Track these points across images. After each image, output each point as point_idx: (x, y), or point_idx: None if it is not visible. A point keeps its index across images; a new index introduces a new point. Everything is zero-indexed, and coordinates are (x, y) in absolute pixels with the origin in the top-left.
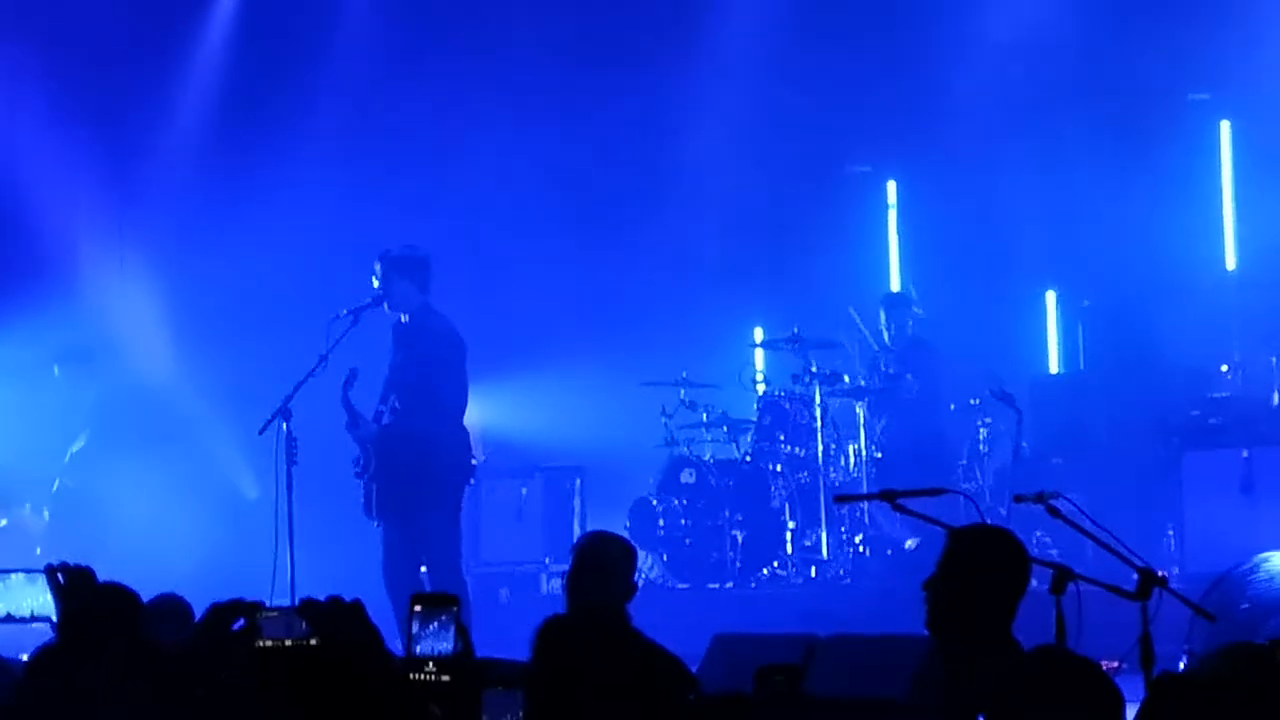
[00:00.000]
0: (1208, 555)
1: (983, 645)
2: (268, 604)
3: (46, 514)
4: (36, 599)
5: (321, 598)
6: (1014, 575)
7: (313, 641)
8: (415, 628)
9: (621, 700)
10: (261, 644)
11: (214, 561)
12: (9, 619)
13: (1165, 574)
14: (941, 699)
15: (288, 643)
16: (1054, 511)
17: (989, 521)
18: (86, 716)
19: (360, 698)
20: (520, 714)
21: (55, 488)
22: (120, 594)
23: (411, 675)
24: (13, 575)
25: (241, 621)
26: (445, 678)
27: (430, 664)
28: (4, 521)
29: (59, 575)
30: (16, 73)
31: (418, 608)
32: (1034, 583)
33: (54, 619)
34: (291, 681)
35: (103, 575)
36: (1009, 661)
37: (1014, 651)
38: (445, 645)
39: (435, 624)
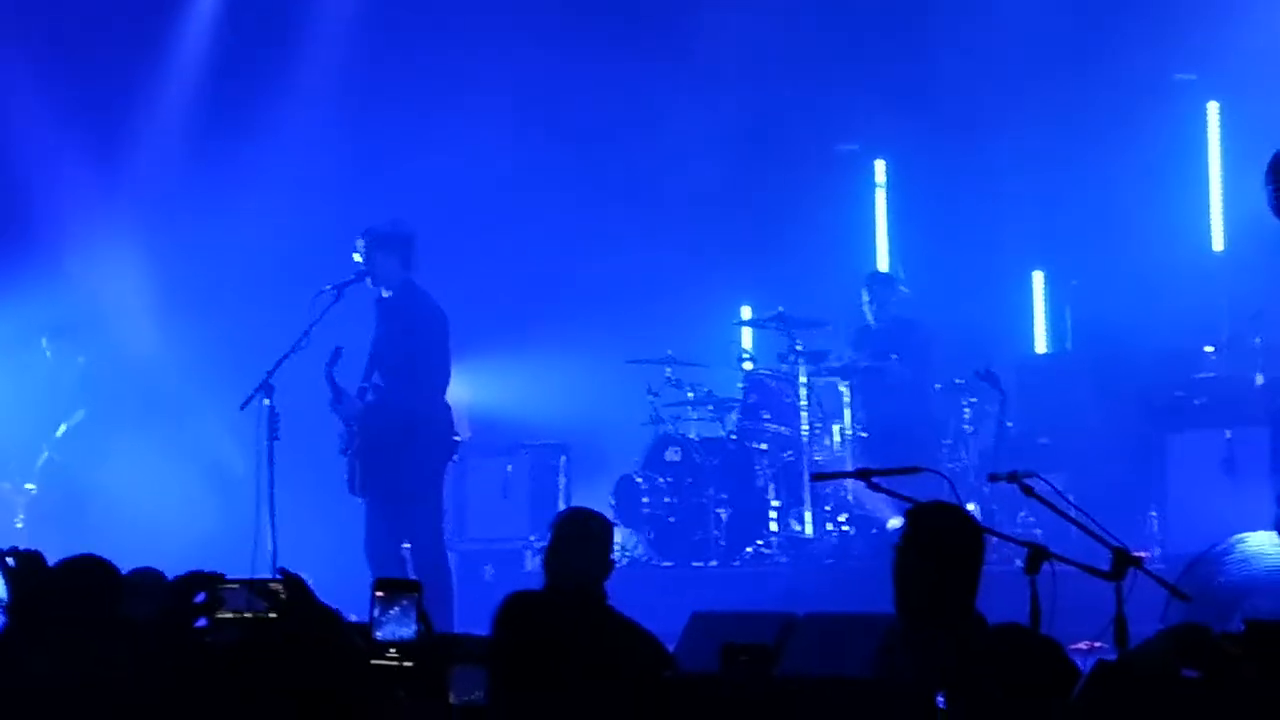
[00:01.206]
0: (1190, 535)
1: (946, 622)
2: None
3: (33, 487)
4: None
5: (303, 573)
6: (971, 551)
7: (271, 614)
8: (376, 612)
9: (594, 676)
10: (222, 615)
11: (198, 536)
12: None
13: (1145, 554)
14: (905, 675)
15: (248, 614)
16: (1028, 491)
17: (969, 501)
18: (54, 693)
19: (318, 670)
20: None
21: (42, 461)
22: (95, 567)
23: (374, 661)
24: None
25: (203, 595)
26: (408, 663)
27: (393, 649)
28: None
29: (8, 559)
30: (3, 47)
31: (379, 593)
32: (1015, 562)
33: (5, 602)
34: (250, 652)
35: (85, 549)
36: (971, 639)
37: (977, 628)
38: (407, 630)
39: (396, 608)
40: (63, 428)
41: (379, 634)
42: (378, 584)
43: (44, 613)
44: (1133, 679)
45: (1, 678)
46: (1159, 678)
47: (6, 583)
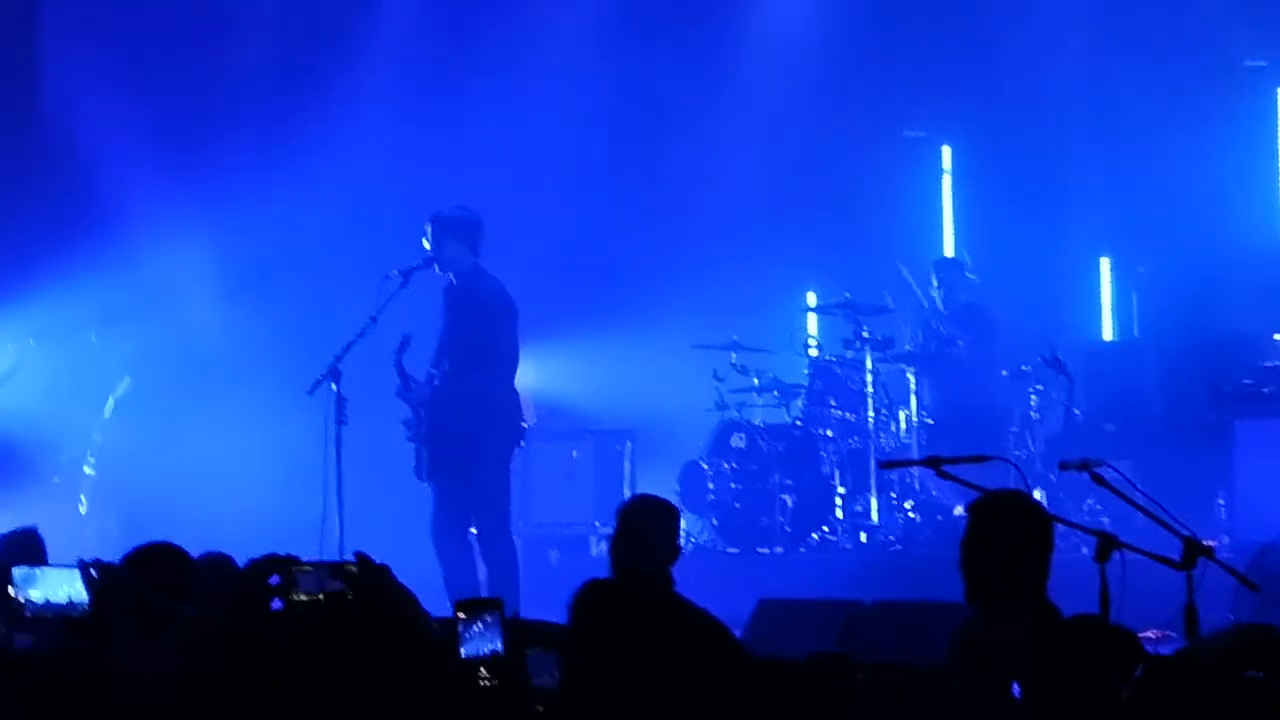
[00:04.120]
0: (1258, 523)
1: (1018, 609)
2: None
3: (89, 469)
4: (72, 586)
5: (370, 557)
6: (1036, 536)
7: (348, 596)
8: (460, 630)
9: (662, 664)
10: (296, 597)
11: (265, 521)
12: (48, 604)
13: (1213, 543)
14: (978, 663)
15: (322, 596)
16: (1098, 479)
17: (1036, 489)
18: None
19: (392, 653)
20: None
21: (97, 442)
22: (167, 556)
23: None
24: (47, 568)
25: (278, 577)
26: (495, 682)
27: (482, 669)
28: (57, 479)
29: (91, 570)
30: (68, 32)
31: (461, 615)
32: (1083, 550)
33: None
34: (325, 634)
35: (152, 536)
36: (1044, 629)
37: (1050, 617)
38: (492, 644)
39: (479, 624)
40: (110, 401)
41: (464, 650)
42: (459, 606)
43: (121, 604)
44: (1192, 675)
45: (87, 670)
46: (1220, 676)
47: (89, 592)
